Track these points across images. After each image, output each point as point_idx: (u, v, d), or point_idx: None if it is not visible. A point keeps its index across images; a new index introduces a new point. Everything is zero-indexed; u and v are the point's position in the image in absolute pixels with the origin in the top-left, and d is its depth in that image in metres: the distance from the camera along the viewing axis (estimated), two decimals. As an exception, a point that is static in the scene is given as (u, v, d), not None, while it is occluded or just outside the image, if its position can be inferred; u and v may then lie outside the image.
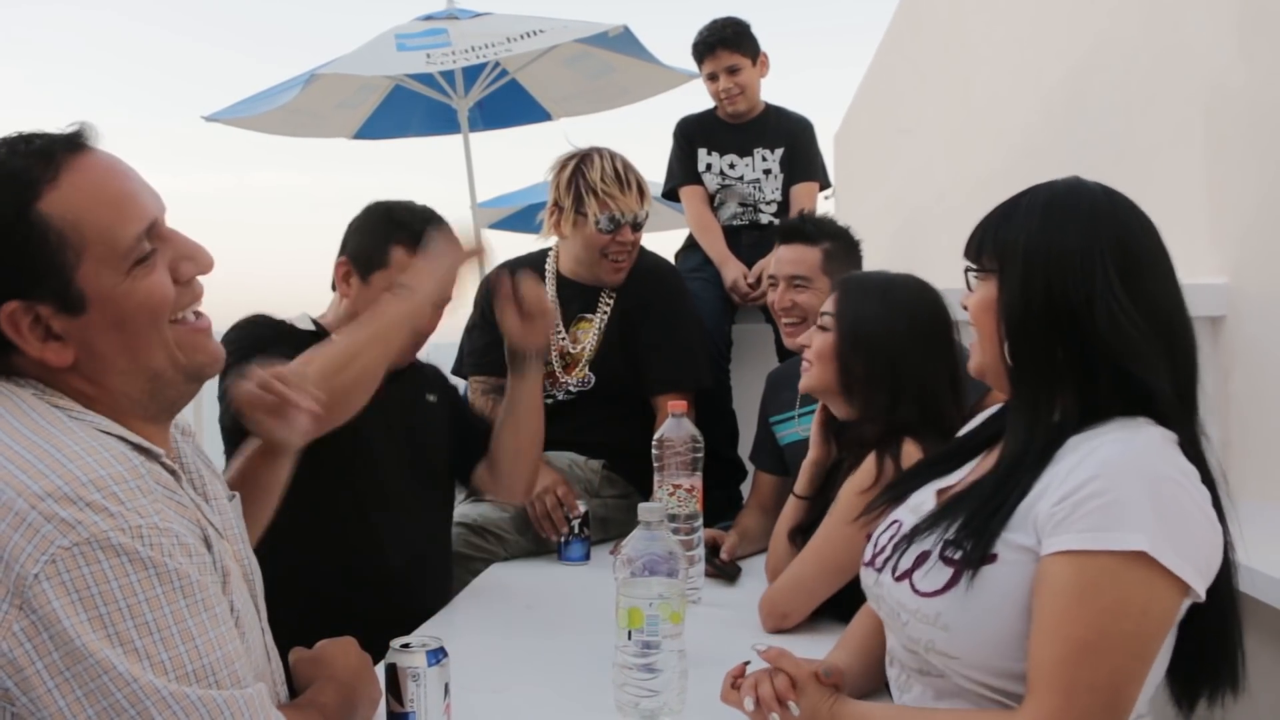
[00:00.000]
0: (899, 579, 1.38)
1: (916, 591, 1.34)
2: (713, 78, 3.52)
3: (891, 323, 2.03)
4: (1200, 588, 1.21)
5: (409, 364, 2.34)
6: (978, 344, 1.42)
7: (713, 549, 2.42)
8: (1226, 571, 1.29)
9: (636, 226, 2.85)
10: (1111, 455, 1.24)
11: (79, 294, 1.14)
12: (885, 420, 2.00)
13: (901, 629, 1.37)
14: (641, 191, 2.84)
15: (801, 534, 2.13)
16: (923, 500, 1.47)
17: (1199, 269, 2.73)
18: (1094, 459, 1.24)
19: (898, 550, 1.40)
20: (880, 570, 1.44)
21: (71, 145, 1.17)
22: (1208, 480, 1.28)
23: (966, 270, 1.43)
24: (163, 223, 1.22)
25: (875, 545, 1.49)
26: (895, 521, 1.48)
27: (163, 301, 1.19)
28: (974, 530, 1.31)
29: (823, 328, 2.14)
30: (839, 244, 2.67)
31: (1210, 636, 1.30)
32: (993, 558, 1.28)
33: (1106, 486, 1.21)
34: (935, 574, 1.32)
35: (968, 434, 1.58)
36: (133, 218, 1.17)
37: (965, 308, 1.44)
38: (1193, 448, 1.29)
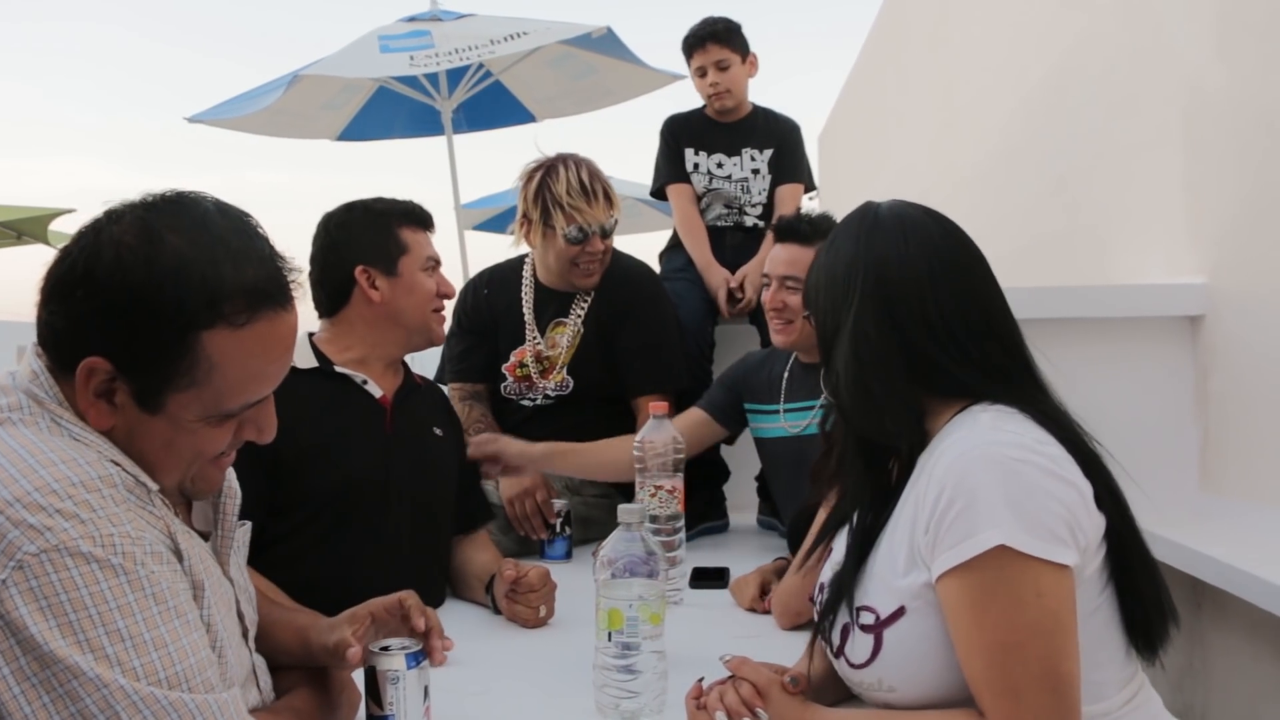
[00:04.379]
0: (836, 655, 1.41)
1: (852, 665, 1.37)
2: (701, 73, 3.50)
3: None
4: (1070, 558, 1.23)
5: (417, 388, 2.32)
6: None
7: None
8: (1122, 515, 1.32)
9: (605, 234, 2.85)
10: (949, 463, 1.28)
11: (161, 406, 1.15)
12: None
13: (860, 695, 1.41)
14: (609, 199, 2.83)
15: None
16: (839, 554, 1.48)
17: (1178, 269, 2.74)
18: (937, 473, 1.28)
19: (825, 623, 1.43)
20: (825, 641, 1.46)
21: (281, 301, 1.19)
22: (1072, 439, 1.32)
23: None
24: (270, 397, 1.25)
25: (817, 612, 1.50)
26: (821, 586, 1.51)
27: (210, 450, 1.21)
28: (873, 587, 1.36)
29: None
30: None
31: (1127, 575, 1.33)
32: (901, 611, 1.31)
33: (953, 496, 1.25)
34: (860, 645, 1.35)
35: None
36: (253, 394, 1.20)
37: None
38: (1037, 413, 1.33)
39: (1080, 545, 1.25)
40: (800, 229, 2.61)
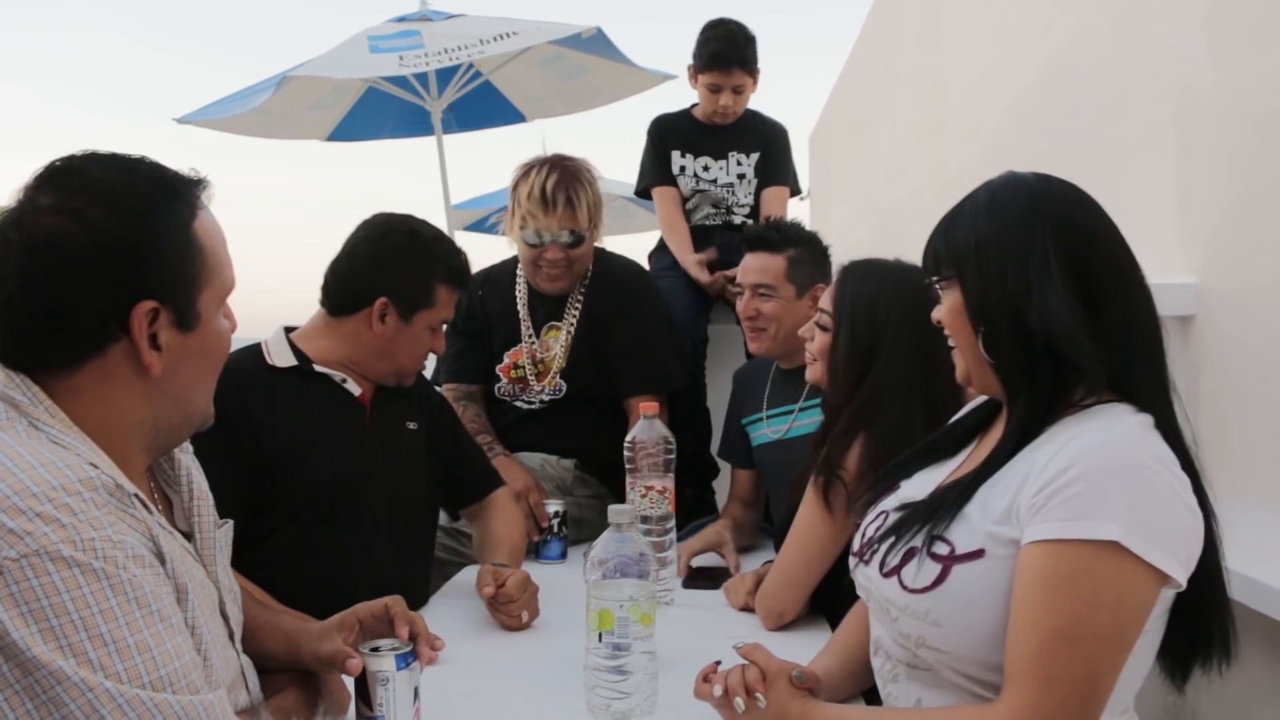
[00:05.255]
0: (887, 575, 1.38)
1: (906, 588, 1.34)
2: (714, 89, 3.42)
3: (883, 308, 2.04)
4: (1180, 575, 1.22)
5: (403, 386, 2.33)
6: (958, 352, 1.44)
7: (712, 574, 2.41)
8: (1212, 545, 1.30)
9: (568, 245, 2.80)
10: (1088, 445, 1.25)
11: (197, 315, 1.21)
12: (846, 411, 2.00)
13: (892, 624, 1.37)
14: (572, 210, 2.76)
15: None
16: (912, 491, 1.46)
17: (1169, 268, 2.74)
18: (1071, 448, 1.25)
19: (884, 544, 1.40)
20: (868, 563, 1.43)
21: (204, 187, 1.26)
22: (1188, 464, 1.29)
23: (930, 284, 1.45)
24: None
25: (863, 536, 1.49)
26: (883, 513, 1.48)
27: (228, 343, 1.28)
28: (959, 525, 1.32)
29: (821, 326, 2.13)
30: (806, 250, 2.64)
31: (1202, 608, 1.31)
32: (980, 553, 1.28)
33: (1081, 475, 1.22)
34: (925, 571, 1.32)
35: (956, 421, 1.58)
36: (231, 265, 1.28)
37: (940, 322, 1.45)
38: (1168, 429, 1.31)
39: (1188, 568, 1.24)
40: (769, 237, 2.63)
